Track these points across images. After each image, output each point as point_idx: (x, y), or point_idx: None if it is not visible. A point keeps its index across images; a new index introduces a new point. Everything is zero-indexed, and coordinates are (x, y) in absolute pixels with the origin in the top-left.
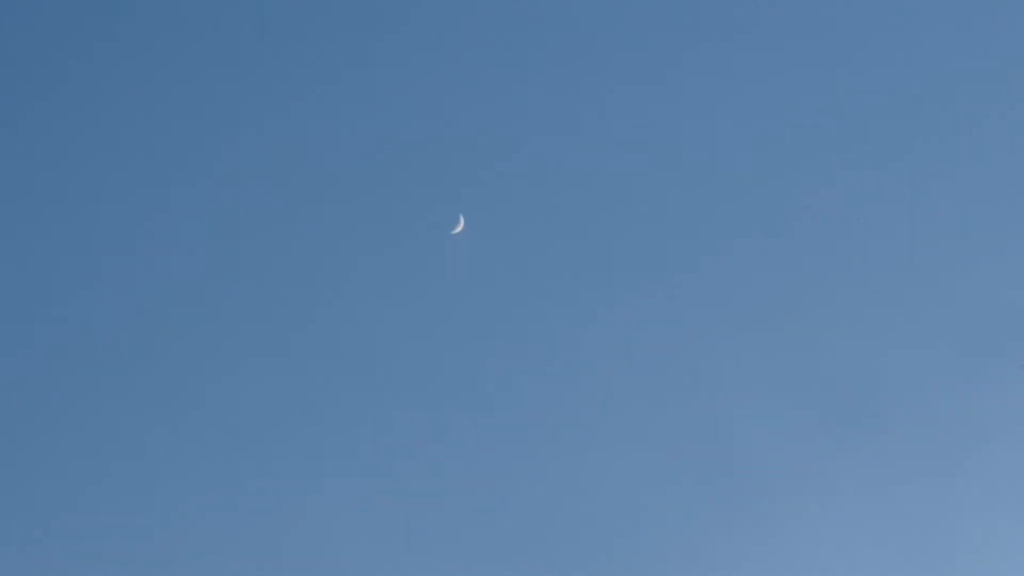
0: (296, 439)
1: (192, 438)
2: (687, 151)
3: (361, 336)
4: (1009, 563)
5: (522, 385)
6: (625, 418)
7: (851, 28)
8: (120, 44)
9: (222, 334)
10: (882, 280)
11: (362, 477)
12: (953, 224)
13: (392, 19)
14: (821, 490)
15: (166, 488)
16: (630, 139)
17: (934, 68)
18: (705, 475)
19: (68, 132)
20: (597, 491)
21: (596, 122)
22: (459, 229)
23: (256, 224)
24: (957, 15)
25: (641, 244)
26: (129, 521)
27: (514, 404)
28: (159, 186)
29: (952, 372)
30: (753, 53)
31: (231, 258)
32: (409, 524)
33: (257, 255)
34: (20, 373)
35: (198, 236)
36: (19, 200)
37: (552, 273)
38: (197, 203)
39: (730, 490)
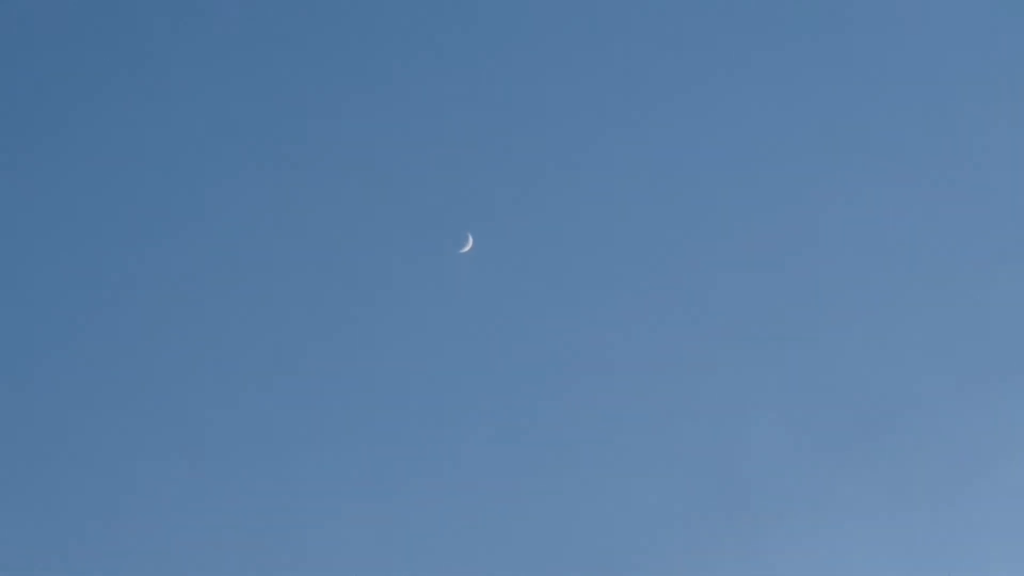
0: (303, 452)
1: (193, 443)
2: (696, 166)
3: (367, 341)
4: None
5: (527, 400)
6: (632, 436)
7: (872, 40)
8: (120, 44)
9: (227, 352)
10: (894, 297)
11: (369, 493)
12: (967, 240)
13: (400, 38)
14: (829, 508)
15: (166, 491)
16: (637, 156)
17: (953, 75)
18: (711, 492)
19: (68, 132)
20: (600, 508)
21: (604, 140)
22: (468, 248)
23: (265, 238)
24: (964, 20)
25: (649, 261)
26: (129, 521)
27: (518, 419)
28: (173, 199)
29: (965, 390)
30: (775, 66)
31: (233, 266)
32: (413, 539)
33: (263, 269)
34: (20, 373)
35: (206, 259)
36: (19, 200)
37: (556, 285)
38: (203, 214)
39: (736, 507)
